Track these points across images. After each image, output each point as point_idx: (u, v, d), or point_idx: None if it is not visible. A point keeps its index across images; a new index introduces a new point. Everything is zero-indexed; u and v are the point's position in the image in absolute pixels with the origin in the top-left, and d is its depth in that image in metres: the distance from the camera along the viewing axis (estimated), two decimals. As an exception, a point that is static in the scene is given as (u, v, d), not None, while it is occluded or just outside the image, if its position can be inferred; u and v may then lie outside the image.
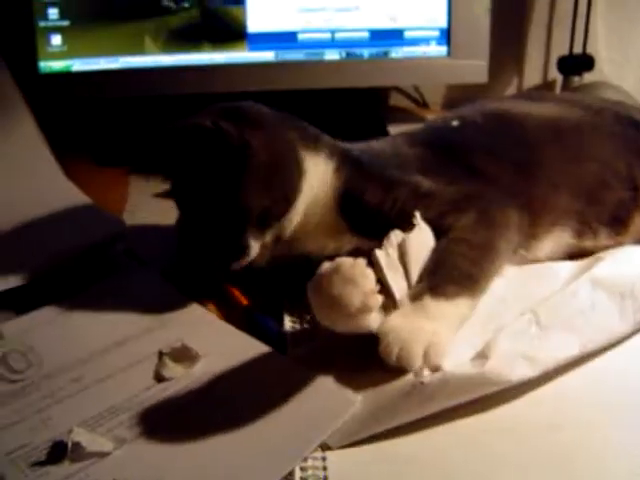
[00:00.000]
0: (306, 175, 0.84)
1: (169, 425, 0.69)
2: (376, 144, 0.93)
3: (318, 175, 0.85)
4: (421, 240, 0.79)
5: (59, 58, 1.22)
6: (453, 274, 0.75)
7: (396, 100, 1.51)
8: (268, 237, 0.82)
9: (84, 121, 1.34)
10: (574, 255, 0.89)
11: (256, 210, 0.80)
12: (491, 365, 0.71)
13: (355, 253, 0.75)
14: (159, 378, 0.74)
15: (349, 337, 0.74)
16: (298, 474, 0.64)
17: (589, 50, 1.41)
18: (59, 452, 0.65)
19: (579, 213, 0.88)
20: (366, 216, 0.83)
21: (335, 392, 0.72)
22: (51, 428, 0.68)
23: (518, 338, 0.74)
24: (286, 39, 1.26)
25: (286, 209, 0.82)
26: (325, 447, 0.66)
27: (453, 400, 0.69)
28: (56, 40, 1.21)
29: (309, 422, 0.68)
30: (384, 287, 0.73)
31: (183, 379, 0.74)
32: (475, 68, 1.28)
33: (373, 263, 0.74)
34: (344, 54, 1.28)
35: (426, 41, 1.28)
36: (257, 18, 1.24)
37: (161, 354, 0.76)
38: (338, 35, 1.27)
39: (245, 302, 0.85)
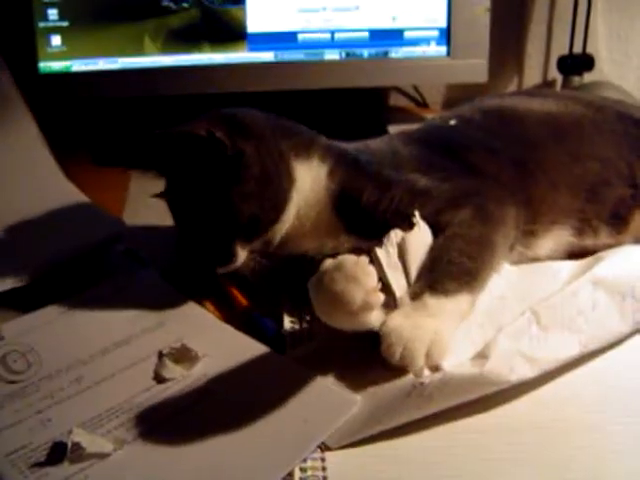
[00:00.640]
0: (296, 183, 0.84)
1: (169, 426, 0.69)
2: (373, 143, 0.93)
3: (310, 180, 0.85)
4: (420, 239, 0.79)
5: (59, 58, 1.22)
6: (451, 270, 0.76)
7: (396, 100, 1.50)
8: (256, 244, 0.83)
9: (84, 121, 1.34)
10: (575, 254, 0.89)
11: (244, 219, 0.80)
12: (490, 365, 0.70)
13: (353, 252, 0.74)
14: (159, 379, 0.74)
15: (347, 337, 0.74)
16: (297, 474, 0.64)
17: (589, 50, 1.41)
18: (59, 453, 0.65)
19: (579, 211, 0.88)
20: (362, 216, 0.83)
21: (335, 392, 0.72)
22: (51, 429, 0.68)
23: (518, 338, 0.74)
24: (286, 39, 1.26)
25: (275, 218, 0.83)
26: (324, 447, 0.66)
27: (452, 400, 0.69)
28: (56, 41, 1.21)
29: (309, 423, 0.68)
30: (384, 285, 0.73)
31: (182, 380, 0.74)
32: (475, 68, 1.28)
33: (373, 261, 0.74)
34: (344, 54, 1.28)
35: (426, 41, 1.28)
36: (257, 18, 1.24)
37: (161, 355, 0.76)
38: (338, 35, 1.27)
39: (244, 303, 0.85)
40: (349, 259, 0.70)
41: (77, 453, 0.64)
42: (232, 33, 1.24)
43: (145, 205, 1.05)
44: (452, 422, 0.69)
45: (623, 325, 0.78)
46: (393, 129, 1.30)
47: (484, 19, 1.26)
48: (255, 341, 0.79)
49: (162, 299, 0.86)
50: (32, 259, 0.88)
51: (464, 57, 1.27)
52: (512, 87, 1.52)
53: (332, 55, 1.27)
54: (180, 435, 0.67)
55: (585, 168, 0.89)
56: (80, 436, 0.65)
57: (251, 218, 0.81)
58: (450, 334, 0.72)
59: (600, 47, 1.46)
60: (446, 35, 1.27)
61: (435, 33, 1.27)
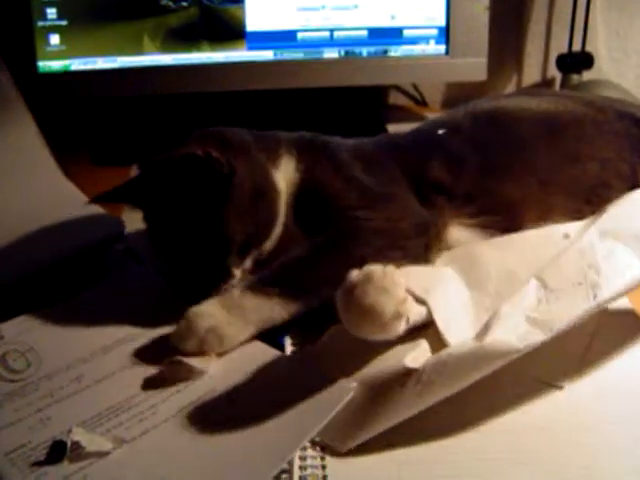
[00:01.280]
0: (281, 194, 0.85)
1: (167, 424, 0.69)
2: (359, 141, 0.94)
3: (285, 183, 0.86)
4: None
5: (57, 58, 1.22)
6: (282, 273, 0.78)
7: (395, 98, 1.50)
8: (248, 262, 0.82)
9: (83, 120, 1.34)
10: None
11: (239, 238, 0.80)
12: (493, 336, 0.68)
13: None
14: (171, 384, 0.73)
15: (345, 337, 0.73)
16: (297, 473, 0.64)
17: (588, 48, 1.41)
18: (58, 452, 0.65)
19: (576, 211, 0.87)
20: (320, 213, 0.84)
21: (329, 381, 0.71)
22: (50, 428, 0.68)
23: (523, 305, 0.71)
24: (285, 38, 1.26)
25: (267, 234, 0.83)
26: (325, 449, 0.66)
27: (456, 382, 0.67)
28: (54, 40, 1.21)
29: (304, 412, 0.68)
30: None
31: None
32: (474, 66, 1.28)
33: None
34: (343, 53, 1.28)
35: (425, 39, 1.28)
36: (256, 17, 1.24)
37: (171, 361, 0.75)
38: (337, 34, 1.27)
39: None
40: (378, 270, 0.69)
41: (76, 452, 0.64)
42: (231, 32, 1.24)
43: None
44: (452, 422, 0.68)
45: None
46: (392, 128, 1.30)
47: (483, 18, 1.26)
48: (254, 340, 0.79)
49: (161, 298, 0.86)
50: (30, 258, 0.88)
51: (463, 56, 1.27)
52: (511, 85, 1.52)
53: (331, 54, 1.27)
54: (178, 433, 0.68)
55: (583, 169, 0.89)
56: (80, 435, 0.65)
57: (245, 237, 0.81)
58: (235, 332, 0.75)
59: (599, 45, 1.46)
60: (445, 34, 1.27)
61: (434, 32, 1.27)
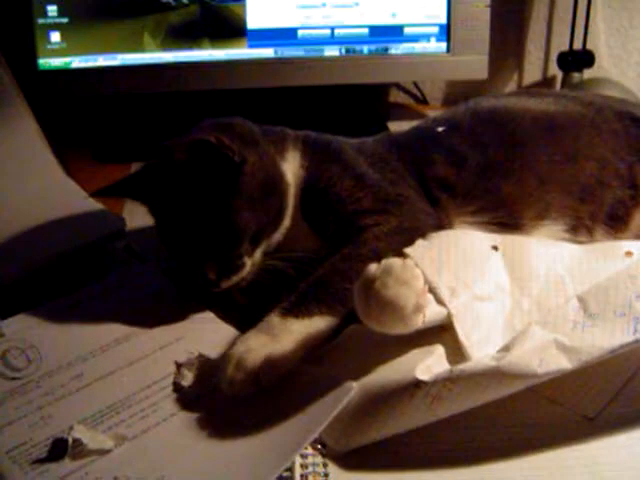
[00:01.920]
0: (289, 187, 0.85)
1: (169, 422, 0.69)
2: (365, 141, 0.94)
3: (292, 176, 0.85)
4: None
5: (58, 55, 1.22)
6: (315, 290, 0.76)
7: (396, 96, 1.50)
8: (258, 253, 0.82)
9: (83, 118, 1.34)
10: None
11: (251, 228, 0.80)
12: (513, 358, 0.65)
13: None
14: (179, 389, 0.73)
15: (359, 339, 0.73)
16: (298, 471, 0.64)
17: (589, 46, 1.41)
18: (59, 449, 0.65)
19: (572, 209, 0.87)
20: (325, 208, 0.83)
21: (330, 381, 0.71)
22: (51, 425, 0.68)
23: (557, 327, 0.67)
24: (286, 35, 1.25)
25: (277, 225, 0.83)
26: (327, 448, 0.66)
27: (466, 400, 0.65)
28: (55, 37, 1.21)
29: (306, 413, 0.68)
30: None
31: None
32: (475, 64, 1.28)
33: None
34: (344, 50, 1.27)
35: (426, 37, 1.27)
36: (257, 14, 1.24)
37: (179, 365, 0.75)
38: (338, 31, 1.26)
39: (242, 301, 0.85)
40: (396, 262, 0.68)
41: (78, 449, 0.65)
42: (232, 29, 1.24)
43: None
44: (453, 421, 0.68)
45: None
46: (393, 125, 1.30)
47: (484, 15, 1.25)
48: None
49: (162, 296, 0.86)
50: (31, 256, 0.88)
51: (464, 53, 1.27)
52: (512, 84, 1.52)
53: (332, 51, 1.27)
54: (180, 431, 0.68)
55: (579, 168, 0.89)
56: (81, 433, 0.65)
57: (257, 229, 0.80)
58: (289, 356, 0.71)
59: (600, 43, 1.46)
60: (446, 31, 1.27)
61: (435, 29, 1.27)
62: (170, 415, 0.70)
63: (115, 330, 0.81)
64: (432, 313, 0.70)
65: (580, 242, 0.87)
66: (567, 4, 1.42)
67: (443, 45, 1.28)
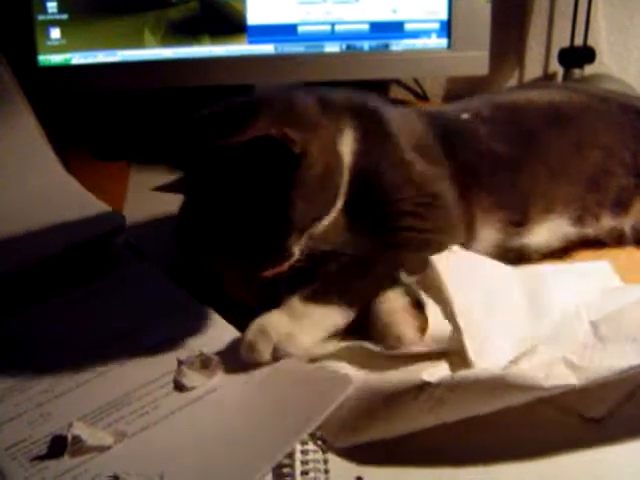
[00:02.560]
0: (345, 174, 0.81)
1: (169, 419, 0.69)
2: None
3: (348, 162, 0.82)
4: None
5: (58, 51, 1.21)
6: (335, 279, 0.78)
7: (396, 93, 1.50)
8: (304, 239, 0.77)
9: (83, 114, 1.34)
10: (573, 244, 0.89)
11: (305, 219, 0.76)
12: (519, 369, 0.65)
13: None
14: (180, 387, 0.73)
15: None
16: (299, 468, 0.64)
17: (590, 42, 1.40)
18: (59, 446, 0.65)
19: (579, 199, 0.88)
20: (365, 200, 0.82)
21: (328, 374, 0.71)
22: (51, 422, 0.68)
23: (565, 345, 0.68)
24: (286, 32, 1.25)
25: (327, 214, 0.79)
26: (327, 443, 0.66)
27: (469, 406, 0.65)
28: (55, 33, 1.21)
29: (304, 406, 0.68)
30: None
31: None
32: (476, 60, 1.27)
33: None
34: (344, 46, 1.27)
35: (426, 33, 1.27)
36: (257, 10, 1.24)
37: (180, 363, 0.75)
38: (338, 27, 1.26)
39: (253, 304, 0.84)
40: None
41: (77, 446, 0.64)
42: (232, 25, 1.24)
43: (145, 199, 1.05)
44: (453, 422, 0.67)
45: None
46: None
47: (485, 11, 1.25)
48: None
49: (162, 293, 0.86)
50: (31, 252, 0.88)
51: (465, 49, 1.27)
52: (513, 80, 1.51)
53: (332, 47, 1.27)
54: (180, 428, 0.68)
55: (587, 157, 0.90)
56: (80, 429, 0.65)
57: (310, 218, 0.77)
58: (307, 338, 0.74)
59: (601, 40, 1.45)
60: (447, 27, 1.26)
61: (436, 25, 1.27)
62: (170, 412, 0.70)
63: (115, 326, 0.80)
64: (438, 328, 0.72)
65: (586, 232, 0.88)
66: (568, 0, 1.41)
67: (444, 41, 1.27)
